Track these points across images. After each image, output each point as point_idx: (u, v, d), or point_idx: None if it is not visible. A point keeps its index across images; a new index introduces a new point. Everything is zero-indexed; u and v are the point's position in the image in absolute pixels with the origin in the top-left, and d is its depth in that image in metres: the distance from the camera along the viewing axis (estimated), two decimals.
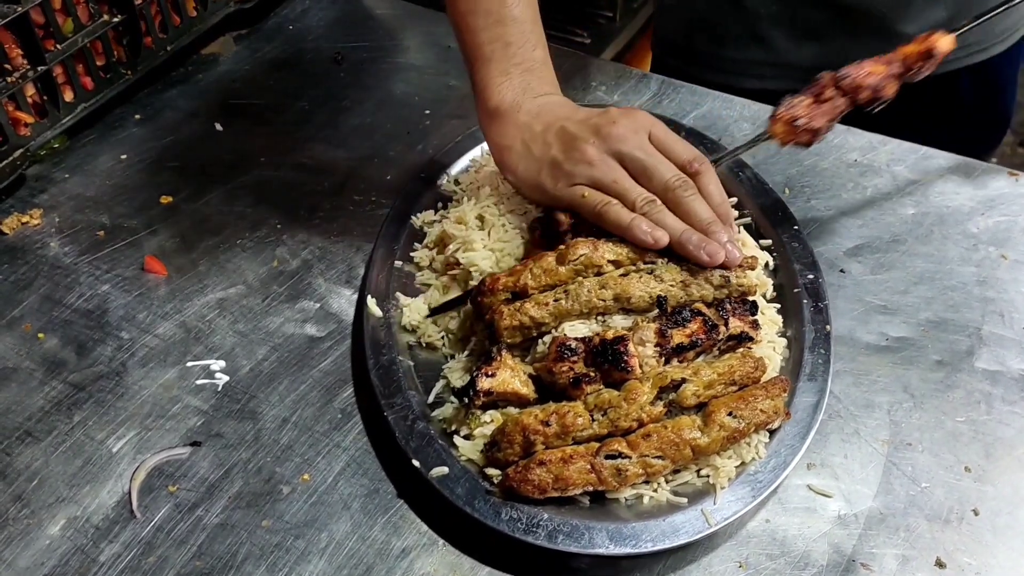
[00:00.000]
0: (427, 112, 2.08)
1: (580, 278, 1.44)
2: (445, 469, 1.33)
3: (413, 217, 1.74)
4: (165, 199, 1.86)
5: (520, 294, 1.44)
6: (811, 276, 1.62)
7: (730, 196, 1.72)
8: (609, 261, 1.47)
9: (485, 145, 1.85)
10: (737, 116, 2.06)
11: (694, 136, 1.90)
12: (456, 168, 1.84)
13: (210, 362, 1.56)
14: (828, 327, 1.54)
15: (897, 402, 1.51)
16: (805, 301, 1.57)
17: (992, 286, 1.69)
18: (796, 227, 1.70)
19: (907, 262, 1.74)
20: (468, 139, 1.88)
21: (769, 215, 1.73)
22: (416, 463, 1.35)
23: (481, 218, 1.64)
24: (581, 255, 1.45)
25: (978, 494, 1.39)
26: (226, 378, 1.53)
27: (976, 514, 1.37)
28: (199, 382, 1.53)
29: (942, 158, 1.93)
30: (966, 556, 1.32)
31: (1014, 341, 1.60)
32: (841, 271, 1.72)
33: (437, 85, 2.17)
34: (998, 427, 1.47)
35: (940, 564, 1.31)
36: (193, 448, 1.44)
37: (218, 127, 2.04)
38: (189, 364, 1.56)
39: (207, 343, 1.59)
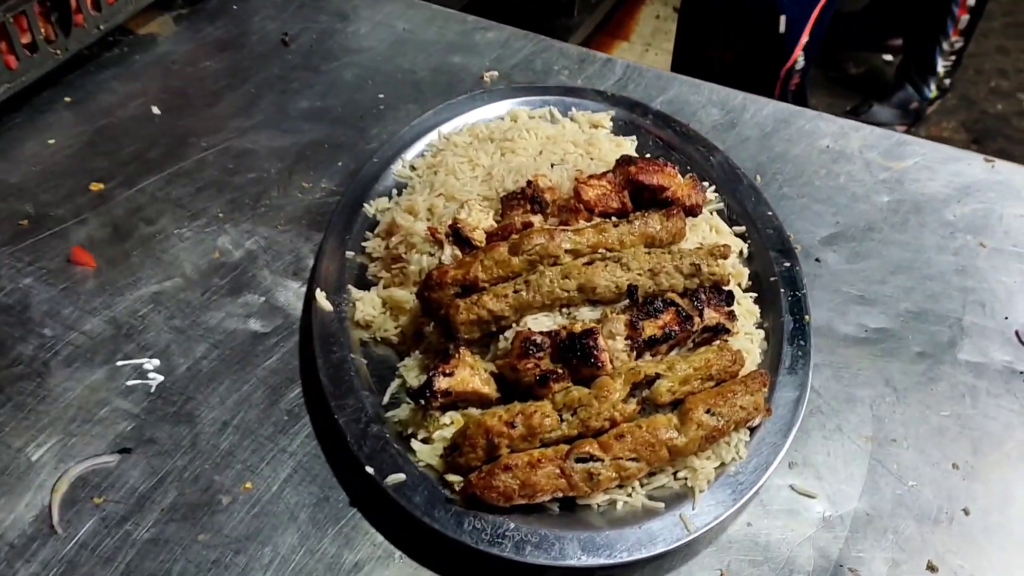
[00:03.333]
0: (380, 96, 1.97)
1: (541, 267, 1.34)
2: (402, 476, 1.23)
3: (366, 205, 1.62)
4: (96, 186, 1.72)
5: (471, 287, 1.34)
6: (787, 264, 1.54)
7: (702, 181, 1.65)
8: (567, 251, 1.37)
9: (442, 129, 1.77)
10: (705, 101, 1.98)
11: (661, 120, 1.81)
12: (411, 153, 1.73)
13: (142, 361, 1.43)
14: (807, 317, 1.46)
15: (879, 396, 1.44)
16: (782, 290, 1.49)
17: (971, 275, 1.63)
18: (770, 213, 1.62)
19: (883, 251, 1.67)
20: (424, 123, 1.78)
21: (742, 201, 1.65)
22: (370, 470, 1.23)
23: (431, 210, 1.53)
24: (536, 245, 1.35)
25: (967, 492, 1.32)
26: (160, 378, 1.40)
27: (967, 513, 1.29)
28: (130, 383, 1.40)
29: (916, 144, 1.87)
30: (958, 558, 1.24)
31: (996, 331, 1.54)
32: (816, 260, 1.65)
33: (391, 68, 2.05)
34: (984, 421, 1.41)
35: (931, 567, 1.23)
36: (122, 456, 1.31)
37: (155, 111, 1.90)
38: (119, 364, 1.42)
39: (139, 341, 1.46)
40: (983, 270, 1.64)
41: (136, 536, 1.22)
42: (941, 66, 4.21)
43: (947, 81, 4.31)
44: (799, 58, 2.74)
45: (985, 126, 4.71)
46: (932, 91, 4.29)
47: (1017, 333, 1.53)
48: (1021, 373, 1.48)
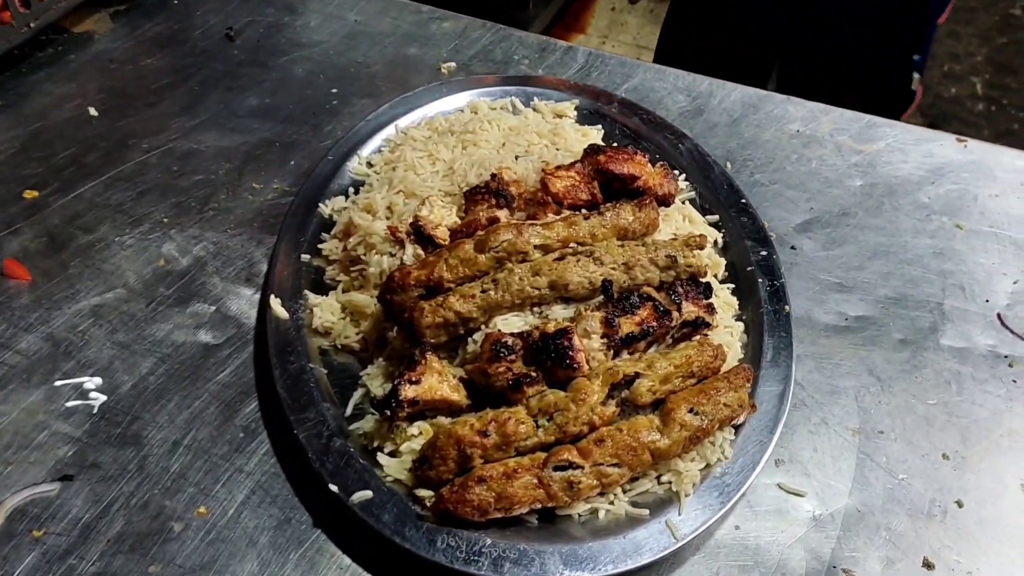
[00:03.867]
0: (333, 91, 1.88)
1: (509, 265, 1.27)
2: (369, 493, 1.14)
3: (321, 204, 1.53)
4: (30, 194, 1.60)
5: (435, 288, 1.26)
6: (764, 253, 1.48)
7: (672, 169, 1.58)
8: (536, 246, 1.30)
9: (399, 123, 1.68)
10: (671, 88, 1.92)
11: (627, 108, 1.75)
12: (368, 149, 1.64)
13: (84, 380, 1.32)
14: (787, 307, 1.40)
15: (863, 386, 1.39)
16: (760, 280, 1.44)
17: (949, 258, 1.59)
18: (743, 200, 1.56)
19: (859, 236, 1.62)
20: (380, 118, 1.69)
21: (714, 189, 1.59)
22: (334, 487, 1.15)
23: (391, 208, 1.45)
24: (504, 241, 1.28)
25: (959, 484, 1.27)
26: (103, 398, 1.30)
27: (960, 506, 1.25)
28: (70, 404, 1.30)
29: (887, 126, 1.83)
30: (954, 554, 1.19)
31: (978, 315, 1.50)
32: (792, 248, 1.60)
33: (343, 62, 1.96)
34: (972, 408, 1.36)
35: (928, 565, 1.18)
36: (64, 483, 1.21)
37: (93, 112, 1.79)
38: (58, 383, 1.32)
39: (80, 358, 1.35)
40: (961, 252, 1.60)
41: (81, 571, 1.13)
42: None
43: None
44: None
45: (940, 110, 4.73)
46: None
47: (999, 316, 1.49)
48: (1006, 357, 1.44)
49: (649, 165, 1.46)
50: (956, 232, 1.63)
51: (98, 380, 1.33)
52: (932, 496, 1.25)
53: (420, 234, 1.34)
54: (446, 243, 1.33)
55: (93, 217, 1.57)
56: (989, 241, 1.62)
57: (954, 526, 1.22)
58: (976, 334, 1.47)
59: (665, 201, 1.45)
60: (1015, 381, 1.40)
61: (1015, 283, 1.55)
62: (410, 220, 1.37)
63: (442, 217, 1.39)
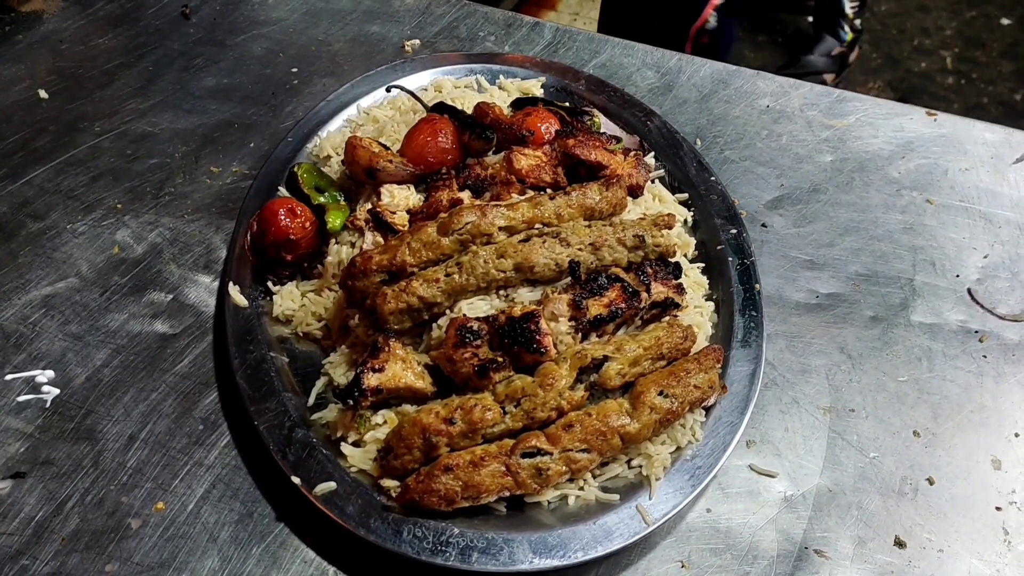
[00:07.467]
0: (294, 70, 1.83)
1: (474, 247, 1.24)
2: (332, 484, 1.11)
3: (281, 188, 1.49)
4: None
5: (398, 273, 1.23)
6: (734, 231, 1.46)
7: (640, 147, 1.56)
8: (500, 228, 1.26)
9: (361, 102, 1.64)
10: (639, 63, 1.88)
11: (595, 84, 1.71)
12: (329, 129, 1.59)
13: (35, 373, 1.28)
14: (757, 286, 1.38)
15: (834, 364, 1.38)
16: (730, 259, 1.42)
17: (920, 233, 1.58)
18: (713, 178, 1.54)
19: (830, 212, 1.61)
20: (341, 98, 1.64)
21: (684, 167, 1.56)
22: (296, 479, 1.12)
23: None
24: (467, 223, 1.24)
25: (930, 461, 1.26)
26: (56, 391, 1.26)
27: (931, 483, 1.24)
28: (21, 398, 1.25)
29: (857, 100, 1.81)
30: (926, 532, 1.19)
31: (948, 290, 1.49)
32: (763, 225, 1.58)
33: (304, 40, 1.91)
34: (943, 385, 1.35)
35: (899, 543, 1.17)
36: (15, 481, 1.17)
37: (43, 95, 1.73)
38: (8, 377, 1.28)
39: (31, 350, 1.31)
40: (931, 227, 1.59)
41: (34, 571, 1.09)
42: (848, 7, 4.32)
43: (858, 22, 4.42)
44: (710, 18, 2.70)
45: (910, 84, 4.73)
46: (847, 33, 4.38)
47: (969, 291, 1.49)
48: (976, 332, 1.43)
49: (620, 155, 1.43)
50: (926, 207, 1.62)
51: (50, 373, 1.28)
52: (903, 474, 1.25)
53: (379, 220, 1.30)
54: (405, 230, 1.29)
55: (43, 204, 1.52)
56: (959, 215, 1.61)
57: (925, 503, 1.22)
58: (947, 309, 1.46)
59: (634, 192, 1.41)
60: (985, 356, 1.40)
61: (985, 257, 1.54)
62: (368, 207, 1.33)
63: (405, 199, 1.35)
